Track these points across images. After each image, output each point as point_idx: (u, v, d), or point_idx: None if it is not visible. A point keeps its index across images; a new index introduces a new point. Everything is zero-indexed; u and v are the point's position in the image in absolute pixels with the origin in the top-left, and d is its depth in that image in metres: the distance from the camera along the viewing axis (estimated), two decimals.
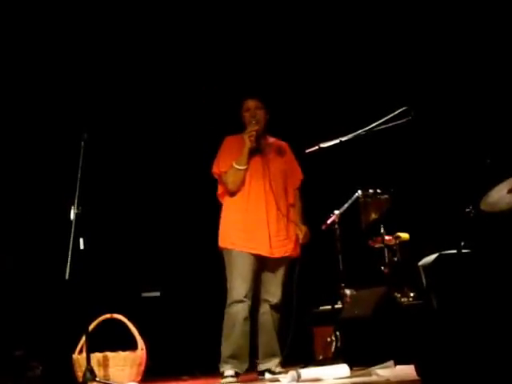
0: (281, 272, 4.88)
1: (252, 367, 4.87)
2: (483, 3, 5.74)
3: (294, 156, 5.11)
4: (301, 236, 4.90)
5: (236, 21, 6.30)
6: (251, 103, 4.97)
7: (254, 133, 4.85)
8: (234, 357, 4.71)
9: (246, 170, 4.85)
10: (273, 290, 4.86)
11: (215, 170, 4.95)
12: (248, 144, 4.85)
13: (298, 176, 5.07)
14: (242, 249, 4.80)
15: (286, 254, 4.88)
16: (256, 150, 4.92)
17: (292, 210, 4.97)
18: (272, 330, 4.84)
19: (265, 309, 4.86)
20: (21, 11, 5.96)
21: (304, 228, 4.93)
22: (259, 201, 4.86)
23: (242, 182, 4.86)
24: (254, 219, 4.83)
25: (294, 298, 4.86)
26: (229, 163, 4.88)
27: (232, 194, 4.90)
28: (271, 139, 5.07)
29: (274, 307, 4.85)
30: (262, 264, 4.85)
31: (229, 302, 4.76)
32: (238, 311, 4.72)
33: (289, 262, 4.91)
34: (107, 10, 6.13)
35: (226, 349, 4.74)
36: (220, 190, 4.98)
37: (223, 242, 4.88)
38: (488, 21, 5.73)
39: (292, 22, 6.30)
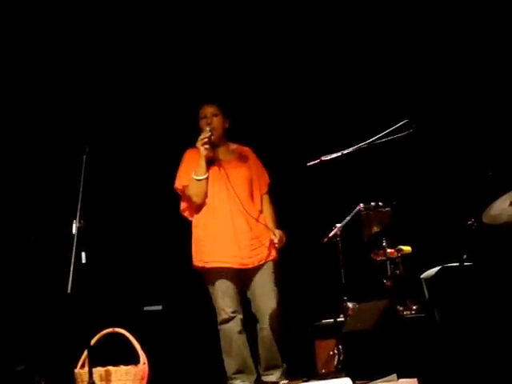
0: (266, 279, 4.74)
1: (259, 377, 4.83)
2: (486, 17, 5.75)
3: (260, 160, 4.95)
4: (276, 240, 4.75)
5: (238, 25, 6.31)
6: (208, 110, 4.78)
7: (206, 139, 4.64)
8: (240, 371, 4.67)
9: (206, 179, 4.68)
10: (264, 299, 4.74)
11: (177, 185, 4.80)
12: (203, 152, 4.64)
13: (264, 180, 4.92)
14: (214, 265, 4.67)
15: (261, 262, 4.74)
16: (215, 159, 4.75)
17: (262, 216, 4.81)
18: (272, 342, 4.74)
19: (262, 321, 4.78)
20: (24, 24, 5.98)
21: (278, 232, 4.78)
22: (224, 212, 4.69)
23: (206, 194, 4.70)
24: (221, 232, 4.68)
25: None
26: (189, 176, 4.71)
27: (198, 208, 4.74)
28: (233, 146, 4.90)
29: (270, 317, 4.74)
30: (244, 276, 4.73)
31: (219, 320, 4.69)
32: (230, 327, 4.66)
33: (272, 268, 4.77)
34: (108, 25, 6.16)
35: (230, 365, 4.68)
36: (182, 206, 4.83)
37: (196, 260, 4.76)
38: (490, 35, 5.74)
39: (293, 32, 6.29)
